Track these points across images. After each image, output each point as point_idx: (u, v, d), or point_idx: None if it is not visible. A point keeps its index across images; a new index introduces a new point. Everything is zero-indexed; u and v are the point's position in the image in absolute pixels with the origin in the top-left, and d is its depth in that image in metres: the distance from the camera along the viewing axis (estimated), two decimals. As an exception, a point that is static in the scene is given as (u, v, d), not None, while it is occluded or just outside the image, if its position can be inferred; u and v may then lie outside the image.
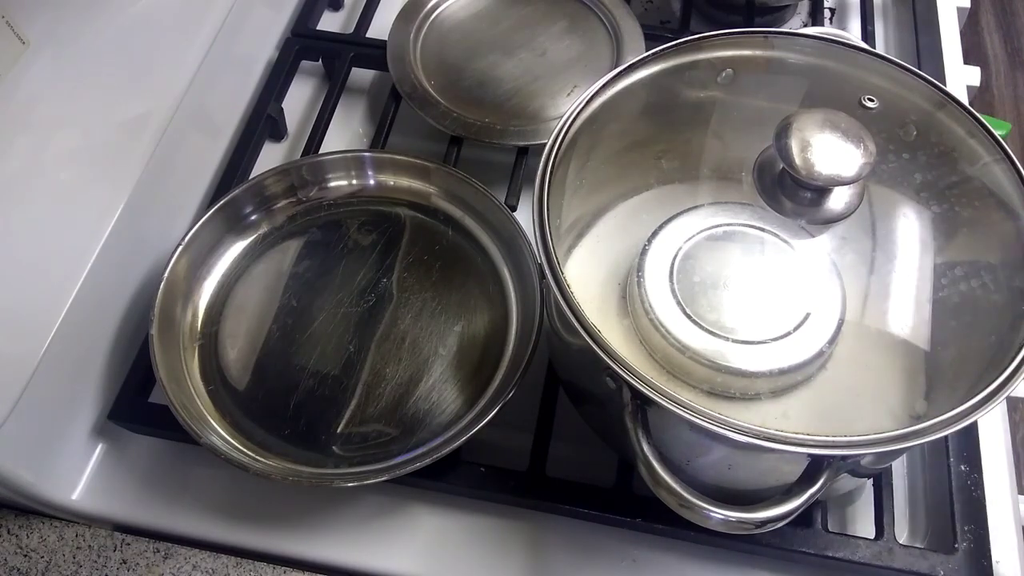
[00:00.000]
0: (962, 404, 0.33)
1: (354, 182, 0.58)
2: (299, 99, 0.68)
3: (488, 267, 0.54)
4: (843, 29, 0.70)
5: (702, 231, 0.42)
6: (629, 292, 0.42)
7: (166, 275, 0.50)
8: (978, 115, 0.41)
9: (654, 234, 0.42)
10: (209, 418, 0.48)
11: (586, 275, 0.42)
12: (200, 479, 0.50)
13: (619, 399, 0.36)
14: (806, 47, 0.44)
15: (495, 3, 0.68)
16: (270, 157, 0.63)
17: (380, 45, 0.65)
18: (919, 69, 0.42)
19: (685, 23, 0.69)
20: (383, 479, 0.44)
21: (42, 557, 0.48)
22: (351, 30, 0.69)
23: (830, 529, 0.45)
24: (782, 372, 0.39)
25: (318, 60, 0.69)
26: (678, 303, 0.40)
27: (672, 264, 0.41)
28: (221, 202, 0.54)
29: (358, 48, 0.67)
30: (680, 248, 0.42)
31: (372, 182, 0.58)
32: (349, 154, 0.57)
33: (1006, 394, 0.33)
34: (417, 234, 0.56)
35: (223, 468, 0.48)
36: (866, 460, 0.41)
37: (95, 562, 0.48)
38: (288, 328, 0.52)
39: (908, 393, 0.39)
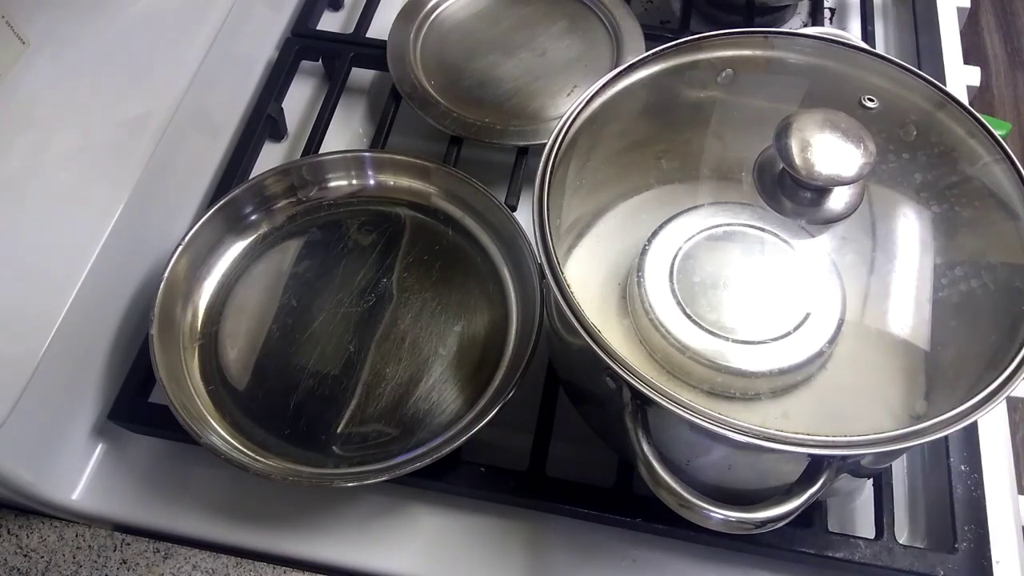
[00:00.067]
0: (962, 404, 0.33)
1: (354, 182, 0.58)
2: (299, 99, 0.68)
3: (488, 267, 0.54)
4: (843, 29, 0.70)
5: (702, 231, 0.42)
6: (629, 292, 0.42)
7: (166, 275, 0.50)
8: (978, 115, 0.41)
9: (654, 234, 0.42)
10: (209, 418, 0.48)
11: (586, 275, 0.42)
12: (200, 479, 0.50)
13: (619, 399, 0.36)
14: (806, 47, 0.44)
15: (495, 3, 0.68)
16: (270, 157, 0.63)
17: (380, 45, 0.65)
18: (919, 69, 0.42)
19: (685, 23, 0.69)
20: (383, 479, 0.44)
21: (42, 557, 0.48)
22: (351, 30, 0.69)
23: (830, 529, 0.45)
24: (782, 372, 0.39)
25: (318, 60, 0.69)
26: (678, 303, 0.40)
27: (672, 264, 0.41)
28: (221, 202, 0.54)
29: (358, 48, 0.67)
30: (680, 248, 0.42)
31: (372, 182, 0.58)
32: (349, 154, 0.57)
33: (1006, 394, 0.33)
34: (417, 234, 0.56)
35: (223, 468, 0.48)
36: (866, 460, 0.41)
37: (95, 562, 0.48)
38: (288, 328, 0.52)
39: (908, 393, 0.39)
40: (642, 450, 0.35)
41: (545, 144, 0.40)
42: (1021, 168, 0.39)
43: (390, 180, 0.58)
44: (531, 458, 0.48)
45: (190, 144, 0.59)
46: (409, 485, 0.49)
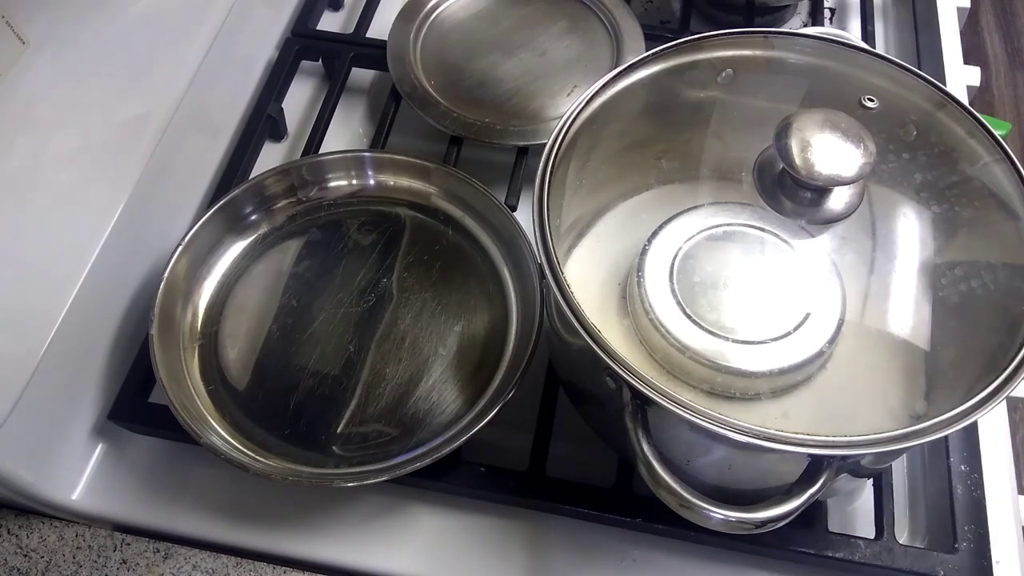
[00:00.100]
0: (962, 404, 0.33)
1: (354, 182, 0.58)
2: (299, 99, 0.68)
3: (488, 267, 0.54)
4: (843, 29, 0.70)
5: (702, 231, 0.42)
6: (629, 292, 0.42)
7: (166, 275, 0.50)
8: (978, 115, 0.41)
9: (654, 234, 0.42)
10: (209, 418, 0.48)
11: (586, 275, 0.42)
12: (200, 479, 0.50)
13: (619, 399, 0.36)
14: (806, 47, 0.44)
15: (495, 3, 0.68)
16: (270, 157, 0.63)
17: (380, 45, 0.65)
18: (919, 69, 0.42)
19: (685, 23, 0.69)
20: (383, 479, 0.44)
21: (42, 557, 0.48)
22: (351, 30, 0.69)
23: (830, 529, 0.45)
24: (782, 372, 0.39)
25: (318, 60, 0.69)
26: (678, 303, 0.40)
27: (672, 264, 0.41)
28: (221, 202, 0.54)
29: (358, 48, 0.67)
30: (680, 248, 0.42)
31: (372, 182, 0.58)
32: (349, 154, 0.57)
33: (1006, 394, 0.33)
34: (417, 234, 0.56)
35: (223, 468, 0.48)
36: (866, 460, 0.41)
37: (95, 562, 0.48)
38: (288, 328, 0.52)
39: (908, 393, 0.39)
40: (642, 450, 0.35)
41: (545, 144, 0.40)
42: (1021, 168, 0.39)
43: (390, 180, 0.58)
44: (531, 458, 0.48)
45: (190, 144, 0.59)
46: (409, 485, 0.49)
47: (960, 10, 0.70)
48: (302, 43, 0.68)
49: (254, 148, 0.62)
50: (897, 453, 0.47)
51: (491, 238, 0.55)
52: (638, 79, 0.44)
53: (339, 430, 0.48)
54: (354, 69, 0.67)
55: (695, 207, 0.43)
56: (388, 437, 0.48)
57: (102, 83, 0.53)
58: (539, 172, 0.40)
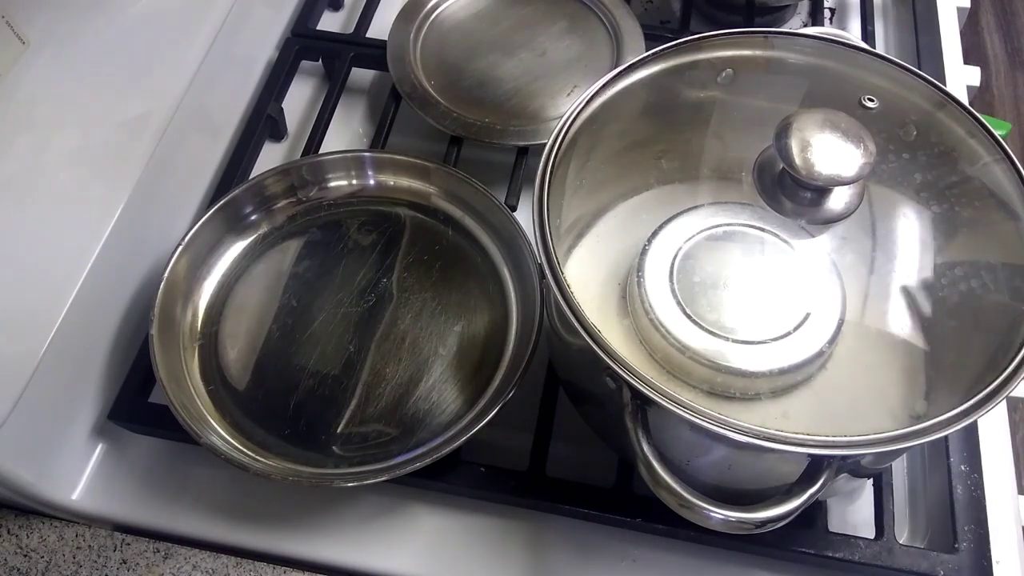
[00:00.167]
0: (962, 404, 0.33)
1: (354, 182, 0.58)
2: (299, 99, 0.68)
3: (488, 267, 0.54)
4: (843, 29, 0.70)
5: (702, 231, 0.42)
6: (629, 292, 0.42)
7: (166, 275, 0.50)
8: (978, 115, 0.41)
9: (654, 234, 0.42)
10: (209, 418, 0.48)
11: (586, 275, 0.42)
12: (200, 479, 0.50)
13: (619, 399, 0.36)
14: (806, 47, 0.44)
15: (495, 3, 0.68)
16: (270, 157, 0.63)
17: (380, 45, 0.65)
18: (919, 69, 0.42)
19: (685, 23, 0.69)
20: (383, 479, 0.44)
21: (42, 557, 0.48)
22: (351, 30, 0.69)
23: (830, 529, 0.45)
24: (782, 372, 0.39)
25: (318, 60, 0.69)
26: (678, 303, 0.40)
27: (672, 264, 0.41)
28: (221, 202, 0.54)
29: (358, 48, 0.67)
30: (680, 248, 0.42)
31: (372, 182, 0.58)
32: (349, 154, 0.57)
33: (1006, 394, 0.33)
34: (417, 234, 0.56)
35: (223, 468, 0.48)
36: (866, 460, 0.41)
37: (95, 562, 0.48)
38: (288, 328, 0.52)
39: (908, 393, 0.39)
40: (642, 450, 0.35)
41: (545, 144, 0.40)
42: (1021, 168, 0.39)
43: (390, 180, 0.58)
44: (531, 458, 0.48)
45: (190, 144, 0.59)
46: (409, 485, 0.49)
47: (960, 10, 0.70)
48: (302, 43, 0.68)
49: (254, 148, 0.62)
50: (897, 453, 0.47)
51: (491, 238, 0.55)
52: (638, 79, 0.44)
53: (339, 430, 0.48)
54: (354, 69, 0.67)
55: (695, 207, 0.43)
56: (388, 437, 0.48)
57: (102, 83, 0.53)
58: (539, 172, 0.40)
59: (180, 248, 0.51)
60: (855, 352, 0.40)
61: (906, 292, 0.41)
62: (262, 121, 0.62)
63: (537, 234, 0.38)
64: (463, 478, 0.47)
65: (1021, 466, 1.01)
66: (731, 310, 0.40)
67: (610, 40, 0.65)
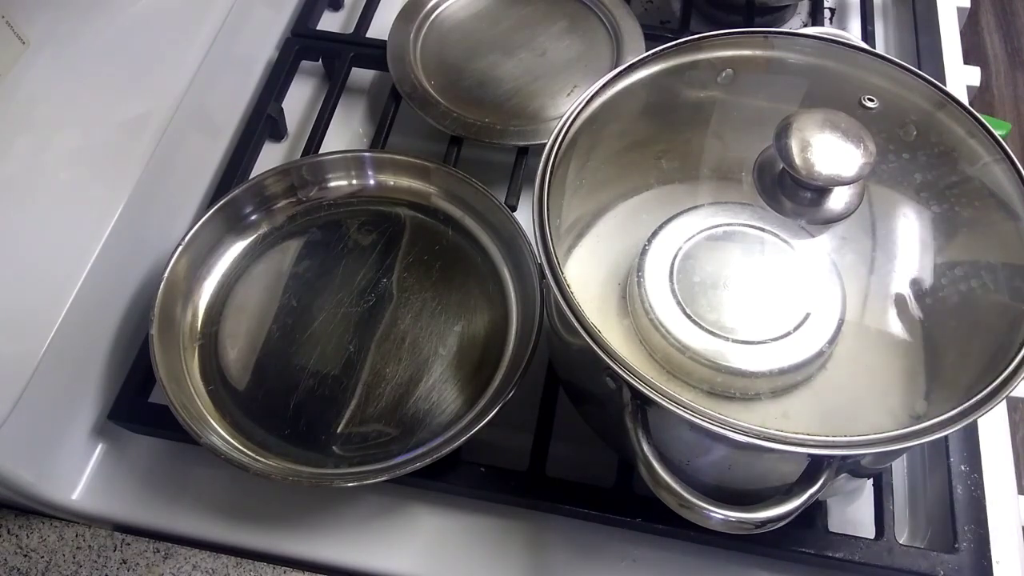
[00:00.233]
0: (962, 404, 0.33)
1: (354, 182, 0.58)
2: (299, 99, 0.68)
3: (488, 267, 0.54)
4: (843, 29, 0.70)
5: (702, 231, 0.42)
6: (629, 292, 0.42)
7: (166, 275, 0.50)
8: (978, 115, 0.41)
9: (654, 234, 0.42)
10: (209, 418, 0.48)
11: (586, 275, 0.42)
12: (200, 479, 0.50)
13: (619, 399, 0.36)
14: (806, 47, 0.44)
15: (495, 3, 0.68)
16: (270, 157, 0.63)
17: (380, 45, 0.65)
18: (919, 69, 0.42)
19: (685, 23, 0.69)
20: (383, 479, 0.44)
21: (42, 557, 0.48)
22: (351, 30, 0.69)
23: (830, 529, 0.45)
24: (782, 372, 0.39)
25: (318, 60, 0.68)
26: (678, 303, 0.40)
27: (672, 264, 0.41)
28: (221, 202, 0.54)
29: (358, 48, 0.67)
30: (680, 248, 0.42)
31: (372, 182, 0.58)
32: (349, 154, 0.57)
33: (1006, 394, 0.33)
34: (417, 234, 0.56)
35: (223, 468, 0.48)
36: (866, 460, 0.41)
37: (95, 562, 0.48)
38: (288, 328, 0.52)
39: (908, 393, 0.39)
40: (642, 450, 0.35)
41: (545, 144, 0.40)
42: (1021, 168, 0.39)
43: (390, 180, 0.58)
44: (531, 458, 0.48)
45: (190, 144, 0.59)
46: (409, 485, 0.49)
47: (960, 10, 0.70)
48: (302, 43, 0.68)
49: (254, 148, 0.62)
50: (897, 453, 0.47)
51: (491, 238, 0.55)
52: (638, 79, 0.44)
53: (339, 430, 0.48)
54: (354, 69, 0.67)
55: (695, 207, 0.43)
56: (388, 437, 0.48)
57: (102, 83, 0.53)
58: (539, 172, 0.40)
59: (180, 248, 0.51)
60: (855, 352, 0.40)
61: (906, 292, 0.41)
62: (262, 121, 0.62)
63: (537, 234, 0.38)
64: (463, 478, 0.47)
65: (1021, 466, 1.01)
66: (731, 310, 0.40)
67: (610, 40, 0.65)
